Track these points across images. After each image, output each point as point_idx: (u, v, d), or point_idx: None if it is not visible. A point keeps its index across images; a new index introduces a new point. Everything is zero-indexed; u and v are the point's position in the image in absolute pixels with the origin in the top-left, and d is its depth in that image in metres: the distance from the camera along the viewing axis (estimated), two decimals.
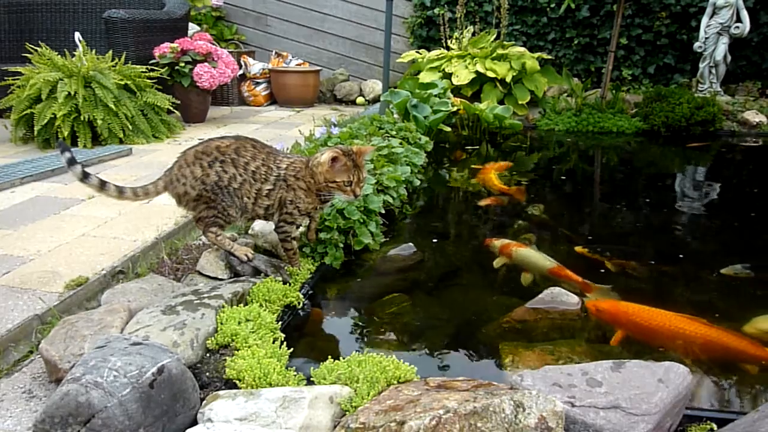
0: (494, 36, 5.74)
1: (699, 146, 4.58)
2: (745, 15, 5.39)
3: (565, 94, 5.72)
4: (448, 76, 5.42)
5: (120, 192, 1.97)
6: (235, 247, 2.01)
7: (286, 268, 2.05)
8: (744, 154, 4.75)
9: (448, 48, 5.95)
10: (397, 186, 2.85)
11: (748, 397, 1.53)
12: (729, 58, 5.55)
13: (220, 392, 1.37)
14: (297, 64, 6.65)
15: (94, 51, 4.31)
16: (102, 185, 1.94)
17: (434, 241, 2.68)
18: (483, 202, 3.06)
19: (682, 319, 1.80)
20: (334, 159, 1.86)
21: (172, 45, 4.94)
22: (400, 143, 3.46)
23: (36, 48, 4.22)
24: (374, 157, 2.97)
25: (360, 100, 6.74)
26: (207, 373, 1.51)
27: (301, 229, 2.19)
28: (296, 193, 1.95)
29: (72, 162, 1.90)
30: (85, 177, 1.91)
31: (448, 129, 4.69)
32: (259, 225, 2.30)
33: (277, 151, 2.03)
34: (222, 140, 1.96)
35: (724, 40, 5.46)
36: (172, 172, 1.96)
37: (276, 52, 6.79)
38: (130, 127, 4.18)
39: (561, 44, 6.32)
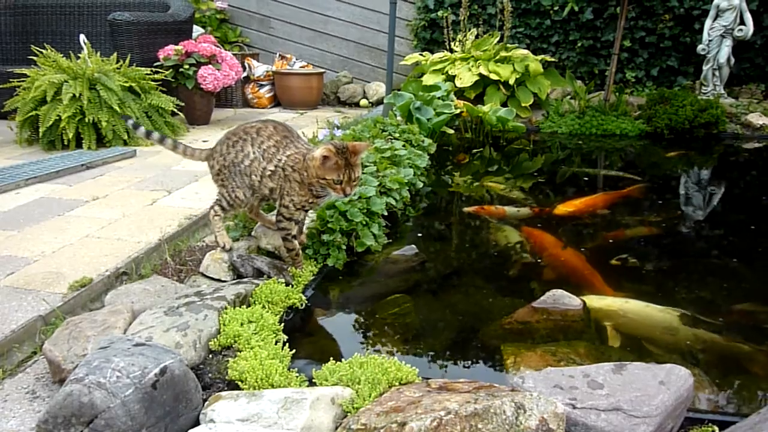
0: (497, 38, 5.74)
1: (678, 155, 4.60)
2: (748, 18, 5.38)
3: (569, 97, 5.72)
4: (451, 78, 5.42)
5: (174, 146, 2.21)
6: (222, 233, 2.12)
7: (288, 269, 2.06)
8: (739, 157, 4.75)
9: (451, 50, 5.95)
10: (400, 188, 2.86)
11: (749, 399, 1.53)
12: (732, 60, 5.54)
13: (223, 393, 1.37)
14: (301, 67, 6.67)
15: (98, 53, 4.33)
16: (161, 140, 2.22)
17: (436, 242, 2.68)
18: (470, 209, 3.01)
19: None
20: (325, 157, 1.86)
21: (177, 47, 4.97)
22: (403, 145, 3.46)
23: (41, 50, 4.25)
24: (377, 160, 2.98)
25: (363, 102, 6.75)
26: (209, 374, 1.51)
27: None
28: (291, 185, 1.97)
29: (136, 126, 2.27)
30: (148, 135, 2.24)
31: (451, 131, 4.69)
32: (261, 227, 2.31)
33: (296, 137, 2.06)
34: (250, 122, 2.07)
35: (728, 43, 5.45)
36: (214, 147, 2.12)
37: (280, 55, 6.81)
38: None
39: (564, 47, 6.32)
